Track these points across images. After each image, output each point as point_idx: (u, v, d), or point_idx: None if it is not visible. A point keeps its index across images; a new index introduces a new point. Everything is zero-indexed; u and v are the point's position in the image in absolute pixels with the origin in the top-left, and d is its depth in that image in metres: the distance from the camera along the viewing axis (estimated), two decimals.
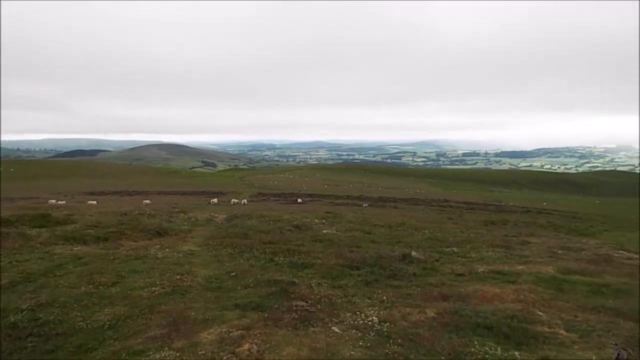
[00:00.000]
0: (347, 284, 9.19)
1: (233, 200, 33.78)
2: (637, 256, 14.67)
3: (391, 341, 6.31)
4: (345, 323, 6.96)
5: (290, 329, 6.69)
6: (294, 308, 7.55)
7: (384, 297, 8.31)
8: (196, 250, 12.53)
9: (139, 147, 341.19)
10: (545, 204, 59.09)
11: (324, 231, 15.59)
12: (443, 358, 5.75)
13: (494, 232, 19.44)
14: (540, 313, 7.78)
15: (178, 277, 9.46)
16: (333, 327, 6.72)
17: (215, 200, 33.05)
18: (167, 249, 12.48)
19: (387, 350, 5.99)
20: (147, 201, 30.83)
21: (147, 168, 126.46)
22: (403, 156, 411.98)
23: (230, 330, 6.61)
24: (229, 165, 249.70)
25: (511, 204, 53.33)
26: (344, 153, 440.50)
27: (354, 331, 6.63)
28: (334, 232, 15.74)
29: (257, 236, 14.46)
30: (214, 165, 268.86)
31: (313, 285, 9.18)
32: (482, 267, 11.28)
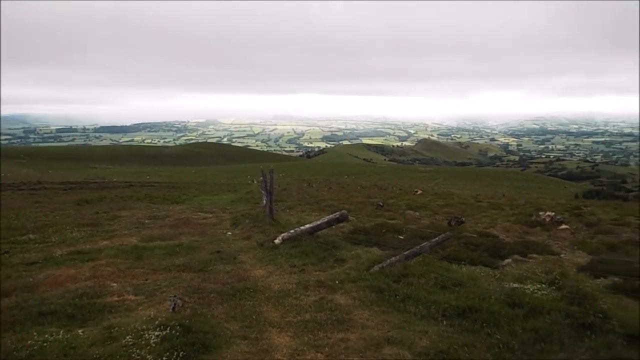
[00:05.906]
0: None
1: None
2: (210, 215, 17.13)
3: None
4: None
5: None
6: None
7: None
8: None
9: None
10: (148, 177, 61.36)
11: None
12: None
13: (84, 211, 18.70)
14: (114, 284, 7.94)
15: None
16: None
17: None
18: None
19: None
20: None
21: None
22: None
23: None
24: None
25: (115, 179, 52.82)
26: None
27: None
28: None
29: None
30: None
31: None
32: (61, 250, 10.59)
